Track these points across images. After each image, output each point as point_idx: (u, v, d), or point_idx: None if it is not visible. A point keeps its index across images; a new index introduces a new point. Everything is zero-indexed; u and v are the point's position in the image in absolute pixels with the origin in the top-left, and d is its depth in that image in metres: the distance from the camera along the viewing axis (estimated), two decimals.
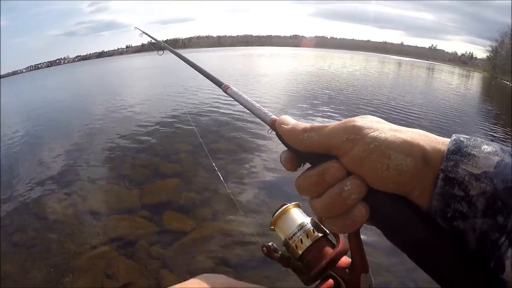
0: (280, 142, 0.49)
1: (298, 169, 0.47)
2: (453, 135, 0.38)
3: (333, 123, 0.43)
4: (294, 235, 0.56)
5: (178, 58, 1.11)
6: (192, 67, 0.93)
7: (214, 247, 3.71)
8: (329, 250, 0.53)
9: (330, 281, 0.52)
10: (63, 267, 3.64)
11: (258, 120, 0.54)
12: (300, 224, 0.56)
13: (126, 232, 4.12)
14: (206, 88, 13.74)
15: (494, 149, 0.36)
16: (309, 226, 0.56)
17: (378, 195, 0.39)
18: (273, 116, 0.50)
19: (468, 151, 0.35)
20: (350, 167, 0.40)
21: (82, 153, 7.39)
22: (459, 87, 24.93)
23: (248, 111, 0.55)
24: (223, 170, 5.56)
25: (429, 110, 11.10)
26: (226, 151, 6.43)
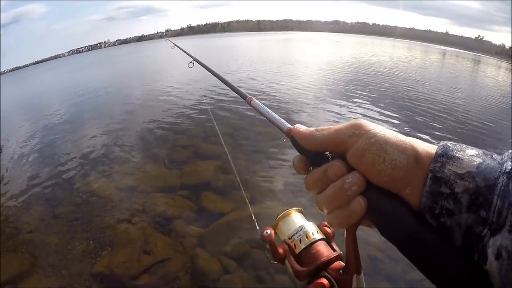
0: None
1: (309, 170, 0.50)
2: (442, 141, 0.42)
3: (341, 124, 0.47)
4: (293, 235, 0.60)
5: (207, 71, 1.21)
6: (220, 79, 1.00)
7: (250, 230, 3.67)
8: (325, 252, 0.57)
9: (324, 280, 0.54)
10: (102, 241, 3.73)
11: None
12: (300, 226, 0.61)
13: (165, 210, 4.17)
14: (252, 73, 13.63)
15: (477, 153, 0.40)
16: (309, 229, 0.60)
17: (375, 190, 0.43)
18: (289, 125, 0.54)
19: (454, 154, 0.39)
20: (353, 159, 0.44)
21: (123, 133, 7.58)
22: (506, 84, 23.19)
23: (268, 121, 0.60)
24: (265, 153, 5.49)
25: (471, 112, 9.95)
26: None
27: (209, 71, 1.17)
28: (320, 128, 0.48)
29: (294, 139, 0.51)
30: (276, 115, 0.58)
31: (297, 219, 0.63)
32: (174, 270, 3.22)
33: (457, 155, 0.39)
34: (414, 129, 7.16)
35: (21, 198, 5.00)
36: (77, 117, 10.07)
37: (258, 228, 0.69)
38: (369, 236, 3.15)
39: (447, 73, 23.05)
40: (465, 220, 0.36)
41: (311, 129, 0.49)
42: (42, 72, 50.12)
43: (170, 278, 3.15)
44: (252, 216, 3.79)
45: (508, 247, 0.33)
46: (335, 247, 0.59)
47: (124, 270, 3.27)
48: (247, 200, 3.67)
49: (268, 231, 0.62)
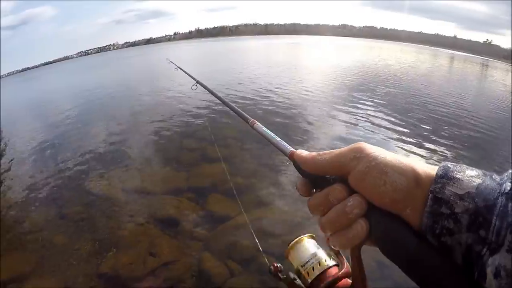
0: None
1: (312, 193, 0.51)
2: (442, 162, 0.43)
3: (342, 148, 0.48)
4: (306, 263, 0.60)
5: (210, 93, 1.24)
6: (223, 102, 1.01)
7: (257, 234, 3.62)
8: (335, 275, 0.57)
9: None
10: (108, 242, 3.73)
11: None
12: (312, 254, 0.61)
13: (171, 213, 4.16)
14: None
15: (477, 173, 0.40)
16: (321, 256, 0.60)
17: (376, 212, 0.43)
18: (292, 149, 0.55)
19: (454, 175, 0.40)
20: (354, 182, 0.45)
21: (131, 134, 7.62)
22: None
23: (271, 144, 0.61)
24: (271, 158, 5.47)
25: (478, 119, 9.43)
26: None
27: (212, 93, 1.21)
28: (322, 152, 0.50)
29: (296, 163, 0.52)
30: (278, 139, 0.59)
31: (309, 246, 0.64)
32: (179, 272, 3.22)
33: (457, 176, 0.40)
34: (422, 139, 7.06)
35: (29, 197, 5.03)
36: (84, 118, 10.16)
37: (268, 263, 0.71)
38: None
39: (457, 79, 22.85)
40: (465, 239, 0.37)
41: (313, 153, 0.51)
42: (51, 73, 50.64)
43: (175, 280, 3.15)
44: (260, 220, 3.78)
45: (507, 266, 0.34)
46: (344, 261, 0.60)
47: (130, 272, 3.27)
48: (242, 209, 3.59)
49: (272, 268, 0.67)
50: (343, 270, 0.57)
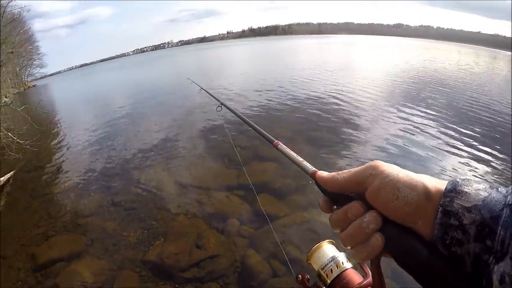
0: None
1: (332, 209, 0.53)
2: (451, 178, 0.45)
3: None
4: (325, 266, 0.67)
5: (234, 114, 1.29)
6: (247, 123, 1.07)
7: (303, 236, 3.59)
8: (355, 280, 0.62)
9: None
10: (156, 231, 3.83)
11: None
12: (331, 257, 0.68)
13: (220, 208, 4.19)
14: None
15: (483, 187, 0.43)
16: (339, 259, 0.67)
17: (391, 225, 0.46)
18: (314, 168, 0.57)
19: (462, 189, 0.42)
20: (370, 197, 0.47)
21: (183, 129, 7.80)
22: None
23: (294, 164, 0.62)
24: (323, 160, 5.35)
25: None
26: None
27: (236, 115, 1.25)
28: (341, 172, 0.52)
29: (318, 182, 0.55)
30: (301, 159, 0.61)
31: (328, 250, 0.70)
32: (223, 267, 3.23)
33: (465, 189, 0.42)
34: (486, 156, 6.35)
35: (84, 184, 5.29)
36: (138, 112, 10.55)
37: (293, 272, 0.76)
38: None
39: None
40: (473, 249, 0.39)
41: (333, 173, 0.53)
42: (107, 70, 53.14)
43: (218, 274, 3.17)
44: (308, 223, 3.70)
45: (511, 273, 0.35)
46: (367, 270, 0.63)
47: (175, 262, 3.33)
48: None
49: (299, 277, 0.71)
50: (366, 280, 0.62)
